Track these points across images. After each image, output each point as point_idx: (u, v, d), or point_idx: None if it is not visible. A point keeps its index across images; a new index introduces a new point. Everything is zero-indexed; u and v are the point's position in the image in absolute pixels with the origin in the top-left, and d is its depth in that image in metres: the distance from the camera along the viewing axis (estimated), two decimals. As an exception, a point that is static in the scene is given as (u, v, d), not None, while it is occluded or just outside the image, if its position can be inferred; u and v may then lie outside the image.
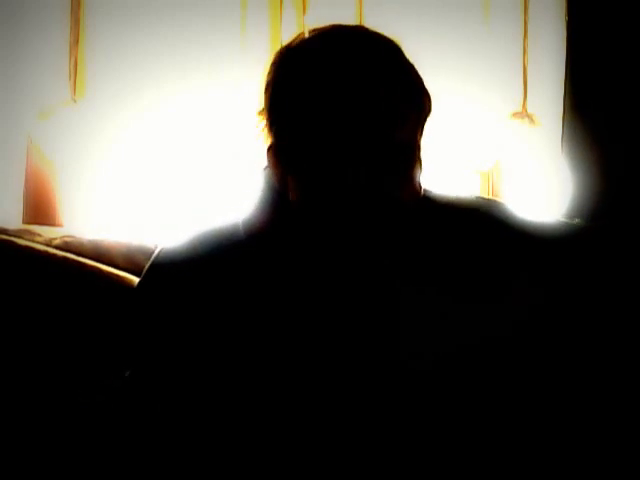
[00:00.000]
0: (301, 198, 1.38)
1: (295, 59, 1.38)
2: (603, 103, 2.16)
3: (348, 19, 2.27)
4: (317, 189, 1.36)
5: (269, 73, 1.41)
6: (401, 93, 1.36)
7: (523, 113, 2.43)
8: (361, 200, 1.34)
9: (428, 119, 1.41)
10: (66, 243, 2.02)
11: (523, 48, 2.43)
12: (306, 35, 1.40)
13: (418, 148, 1.39)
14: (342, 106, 1.33)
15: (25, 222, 2.30)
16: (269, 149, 1.41)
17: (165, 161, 2.34)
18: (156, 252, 1.47)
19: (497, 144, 2.42)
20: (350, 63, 1.34)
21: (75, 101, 2.32)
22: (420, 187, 1.42)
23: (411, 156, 1.37)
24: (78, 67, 2.32)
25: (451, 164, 2.38)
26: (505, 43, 2.42)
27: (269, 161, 1.42)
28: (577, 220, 1.77)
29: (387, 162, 1.33)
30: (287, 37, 2.33)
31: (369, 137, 1.33)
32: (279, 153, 1.39)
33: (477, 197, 1.53)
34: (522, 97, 2.43)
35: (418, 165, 1.39)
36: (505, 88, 2.42)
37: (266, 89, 1.41)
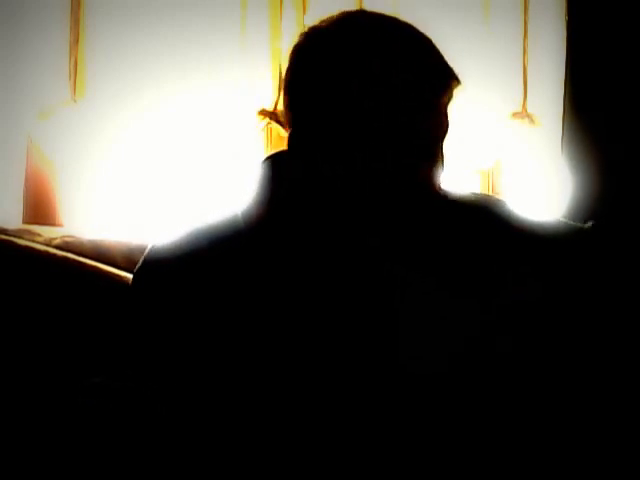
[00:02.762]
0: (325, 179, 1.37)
1: (320, 43, 1.37)
2: (603, 103, 2.16)
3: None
4: (343, 172, 1.35)
5: (290, 61, 1.40)
6: (429, 78, 1.36)
7: (523, 113, 2.43)
8: (389, 186, 1.33)
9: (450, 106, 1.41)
10: (66, 243, 2.02)
11: (523, 48, 2.43)
12: (330, 19, 1.39)
13: (442, 139, 1.39)
14: (369, 89, 1.33)
15: (25, 222, 2.30)
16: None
17: (165, 161, 2.34)
18: (147, 249, 1.46)
19: (497, 144, 2.42)
20: (376, 47, 1.34)
21: (75, 101, 2.32)
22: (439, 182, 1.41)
23: (438, 145, 1.37)
24: (78, 67, 2.32)
25: (451, 164, 2.38)
26: (505, 43, 2.42)
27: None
28: (577, 220, 1.77)
29: (418, 148, 1.33)
30: (287, 37, 2.34)
31: (398, 121, 1.32)
32: (302, 135, 1.38)
33: (477, 194, 1.53)
34: (522, 97, 2.43)
35: (441, 157, 1.39)
36: (505, 88, 2.42)
37: (289, 77, 1.39)
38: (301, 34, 1.39)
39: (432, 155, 1.37)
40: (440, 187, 1.42)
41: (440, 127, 1.38)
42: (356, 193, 1.35)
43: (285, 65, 1.41)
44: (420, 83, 1.34)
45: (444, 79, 1.38)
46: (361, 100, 1.33)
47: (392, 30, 1.37)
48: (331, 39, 1.35)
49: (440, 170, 1.40)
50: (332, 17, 1.39)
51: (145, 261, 1.46)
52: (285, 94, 1.40)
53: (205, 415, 1.38)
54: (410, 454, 1.34)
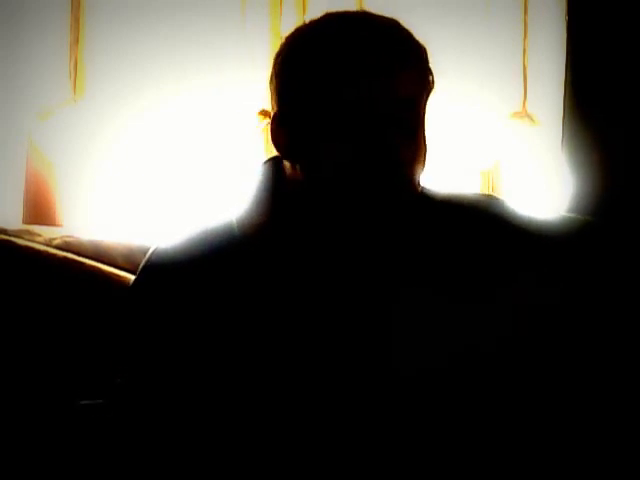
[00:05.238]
0: (308, 175, 1.36)
1: (309, 37, 1.37)
2: (603, 103, 2.16)
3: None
4: (328, 160, 1.35)
5: (281, 51, 1.39)
6: (414, 73, 1.37)
7: (523, 113, 2.43)
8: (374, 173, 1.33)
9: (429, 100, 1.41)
10: (66, 243, 2.02)
11: (523, 48, 2.43)
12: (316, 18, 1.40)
13: (424, 136, 1.39)
14: (355, 78, 1.32)
15: (25, 222, 2.30)
16: (274, 118, 1.39)
17: (165, 161, 2.34)
18: (149, 252, 1.46)
19: (497, 144, 2.43)
20: (363, 39, 1.34)
21: (75, 101, 2.33)
22: (419, 182, 1.41)
23: (421, 138, 1.37)
24: (78, 67, 2.33)
25: (451, 164, 2.38)
26: (505, 43, 2.42)
27: (274, 131, 1.40)
28: (578, 216, 1.76)
29: (402, 139, 1.33)
30: (287, 37, 2.34)
31: (384, 111, 1.33)
32: (288, 120, 1.37)
33: (477, 194, 1.53)
34: (522, 97, 2.43)
35: (424, 154, 1.39)
36: (505, 88, 2.42)
37: (279, 63, 1.39)
38: (287, 37, 1.40)
39: (422, 156, 1.37)
40: (423, 187, 1.42)
41: (423, 127, 1.39)
42: (347, 199, 1.35)
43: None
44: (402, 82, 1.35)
45: (424, 76, 1.39)
46: (350, 102, 1.33)
47: (379, 28, 1.38)
48: (318, 43, 1.36)
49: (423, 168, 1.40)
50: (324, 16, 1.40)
51: (146, 265, 1.46)
52: (278, 99, 1.40)
53: (200, 418, 1.38)
54: (403, 457, 1.34)
